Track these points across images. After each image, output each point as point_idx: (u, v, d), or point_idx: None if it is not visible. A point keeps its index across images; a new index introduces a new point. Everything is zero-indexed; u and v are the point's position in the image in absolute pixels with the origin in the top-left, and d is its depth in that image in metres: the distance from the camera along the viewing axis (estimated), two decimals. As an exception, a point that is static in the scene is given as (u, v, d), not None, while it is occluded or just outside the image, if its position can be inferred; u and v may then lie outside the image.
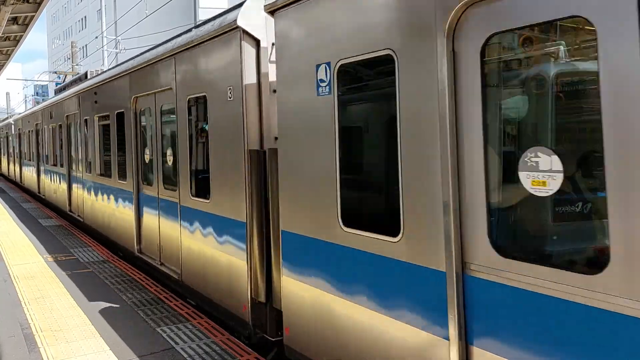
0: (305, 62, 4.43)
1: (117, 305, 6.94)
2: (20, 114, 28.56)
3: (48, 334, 5.95)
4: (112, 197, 10.26)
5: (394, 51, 3.54)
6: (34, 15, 16.07)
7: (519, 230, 3.17)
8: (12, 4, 13.57)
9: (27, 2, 14.92)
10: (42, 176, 18.83)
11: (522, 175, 2.80)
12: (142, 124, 8.87)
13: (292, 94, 4.68)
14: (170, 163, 7.59)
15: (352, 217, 4.03)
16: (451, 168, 3.12)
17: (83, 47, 67.98)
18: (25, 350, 5.48)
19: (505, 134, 3.13)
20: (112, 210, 10.30)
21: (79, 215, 13.27)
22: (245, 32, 5.47)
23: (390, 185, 3.67)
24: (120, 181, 9.68)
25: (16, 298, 7.31)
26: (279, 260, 4.97)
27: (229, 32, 5.67)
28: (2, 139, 34.93)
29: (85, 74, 14.61)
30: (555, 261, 2.89)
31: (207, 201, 6.29)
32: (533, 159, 2.77)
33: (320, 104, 4.26)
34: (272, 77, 5.39)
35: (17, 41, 19.79)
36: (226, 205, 5.92)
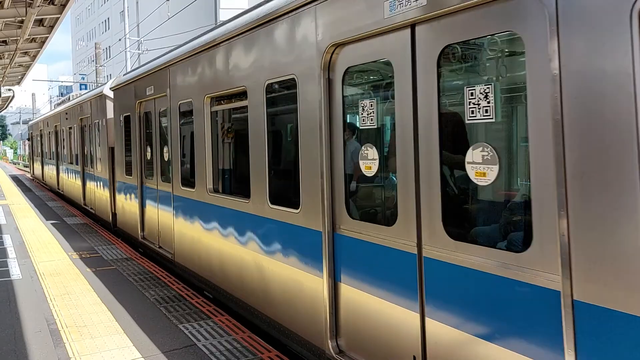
0: None
1: (140, 302, 7.03)
2: (56, 108, 24.74)
3: (73, 329, 6.05)
4: (248, 232, 6.00)
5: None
6: (58, 17, 16.38)
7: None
8: (38, 6, 13.84)
9: (53, 4, 15.21)
10: (90, 185, 15.30)
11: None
12: (350, 96, 4.72)
13: None
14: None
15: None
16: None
17: (106, 48, 68.99)
18: (51, 346, 5.58)
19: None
20: (244, 253, 6.11)
21: (160, 247, 9.26)
22: None
23: None
24: (276, 207, 5.44)
25: (42, 294, 7.46)
26: None
27: None
28: (34, 137, 31.66)
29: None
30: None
31: None
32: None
33: None
34: None
35: (42, 43, 20.17)
36: None
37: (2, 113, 76.30)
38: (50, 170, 24.37)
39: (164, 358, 5.24)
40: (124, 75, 11.83)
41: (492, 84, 3.34)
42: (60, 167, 21.02)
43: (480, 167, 3.32)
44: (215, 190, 7.03)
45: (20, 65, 24.88)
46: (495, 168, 3.25)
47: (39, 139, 28.51)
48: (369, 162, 4.35)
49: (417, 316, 3.79)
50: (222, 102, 6.95)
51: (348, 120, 4.63)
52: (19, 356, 5.31)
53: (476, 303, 3.30)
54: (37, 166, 30.18)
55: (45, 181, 26.77)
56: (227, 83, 6.41)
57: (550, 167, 2.85)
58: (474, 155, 3.37)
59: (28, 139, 35.90)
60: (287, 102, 5.41)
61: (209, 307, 6.77)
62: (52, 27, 17.75)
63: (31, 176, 35.38)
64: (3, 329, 6.09)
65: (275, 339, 5.71)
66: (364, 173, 4.40)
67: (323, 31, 4.61)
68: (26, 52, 21.75)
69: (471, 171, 3.38)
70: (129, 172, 10.88)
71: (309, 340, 4.92)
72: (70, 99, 22.64)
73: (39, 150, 28.48)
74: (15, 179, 32.63)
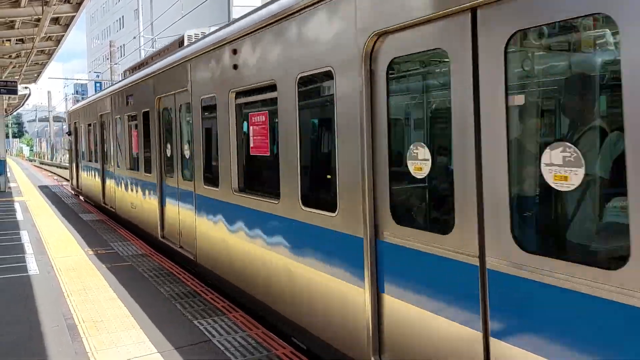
0: None
1: (155, 298, 7.08)
2: (118, 82, 14.65)
3: (90, 324, 6.12)
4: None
5: None
6: (74, 16, 16.53)
7: None
8: (54, 5, 13.98)
9: (68, 2, 15.36)
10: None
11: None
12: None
13: None
14: None
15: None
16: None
17: (121, 46, 69.50)
18: (68, 340, 5.65)
19: None
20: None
21: None
22: None
23: None
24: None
25: (59, 289, 7.54)
26: None
27: None
28: (79, 131, 19.54)
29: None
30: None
31: None
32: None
33: None
34: None
35: (58, 41, 20.38)
36: None
37: (19, 111, 77.35)
38: (124, 193, 12.74)
39: (179, 353, 5.28)
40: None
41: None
42: (171, 197, 9.47)
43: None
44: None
45: (36, 63, 25.17)
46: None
47: (92, 131, 16.68)
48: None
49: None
50: None
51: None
52: (36, 350, 5.39)
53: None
54: (87, 177, 17.97)
55: (115, 210, 13.84)
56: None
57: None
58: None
59: (68, 133, 22.34)
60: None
61: (223, 303, 6.80)
62: (67, 25, 17.93)
63: (72, 190, 21.93)
64: (21, 323, 6.17)
65: (284, 334, 5.73)
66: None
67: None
68: (42, 50, 21.98)
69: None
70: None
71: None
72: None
73: (92, 151, 16.70)
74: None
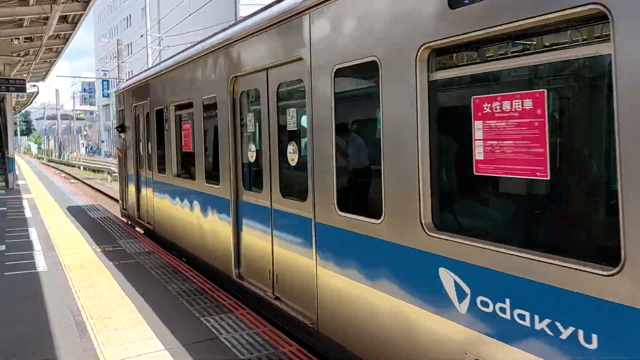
0: None
1: (163, 295, 7.11)
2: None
3: (98, 321, 6.15)
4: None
5: None
6: (82, 14, 16.61)
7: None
8: (63, 3, 14.04)
9: (77, 1, 15.43)
10: None
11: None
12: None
13: None
14: None
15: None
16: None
17: (128, 44, 69.72)
18: (76, 336, 5.68)
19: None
20: None
21: None
22: None
23: None
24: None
25: (67, 286, 7.59)
26: None
27: None
28: (128, 123, 12.67)
29: None
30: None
31: None
32: None
33: None
34: None
35: (66, 39, 20.48)
36: None
37: (27, 109, 77.79)
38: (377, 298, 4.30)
39: (187, 350, 5.30)
40: None
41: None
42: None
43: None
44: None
45: (44, 61, 25.27)
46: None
47: (197, 122, 7.98)
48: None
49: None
50: None
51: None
52: (45, 347, 5.42)
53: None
54: (175, 207, 9.36)
55: (318, 330, 5.13)
56: None
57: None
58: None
59: (118, 129, 13.66)
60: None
61: (230, 301, 6.82)
62: (75, 23, 18.00)
63: (125, 217, 14.09)
64: (30, 320, 6.22)
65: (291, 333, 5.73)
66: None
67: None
68: (50, 48, 22.08)
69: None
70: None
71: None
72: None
73: (197, 159, 8.10)
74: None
